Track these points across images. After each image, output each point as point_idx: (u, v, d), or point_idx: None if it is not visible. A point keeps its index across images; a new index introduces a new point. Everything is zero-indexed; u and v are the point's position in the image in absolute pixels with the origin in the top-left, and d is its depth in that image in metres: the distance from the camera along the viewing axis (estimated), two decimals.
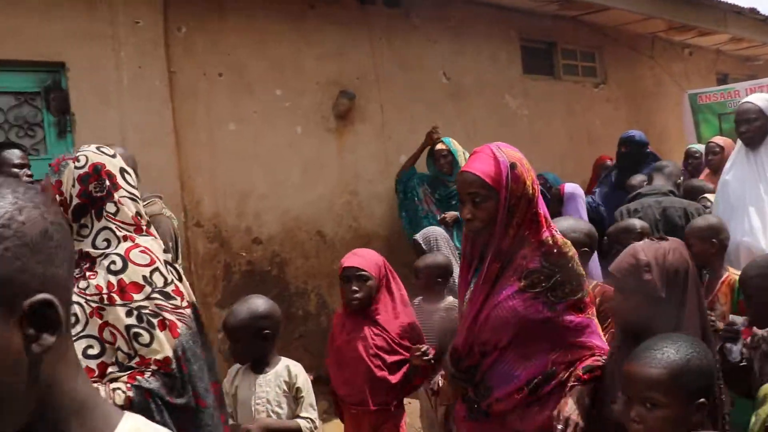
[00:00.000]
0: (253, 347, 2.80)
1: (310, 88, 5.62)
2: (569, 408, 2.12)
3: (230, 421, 2.77)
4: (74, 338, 1.88)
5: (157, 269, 2.00)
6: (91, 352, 1.93)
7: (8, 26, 4.23)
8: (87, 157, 2.10)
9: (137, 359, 1.92)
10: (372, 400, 3.03)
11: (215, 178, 5.11)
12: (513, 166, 2.19)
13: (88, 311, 1.95)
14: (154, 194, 3.40)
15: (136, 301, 1.92)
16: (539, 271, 2.21)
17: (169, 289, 1.99)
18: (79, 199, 2.05)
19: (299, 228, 5.50)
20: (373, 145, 5.98)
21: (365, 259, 3.09)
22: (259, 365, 2.86)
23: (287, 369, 2.84)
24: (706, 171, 6.14)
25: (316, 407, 2.85)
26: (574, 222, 3.08)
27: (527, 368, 2.23)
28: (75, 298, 1.96)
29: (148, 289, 1.94)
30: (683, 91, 9.12)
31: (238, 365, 2.95)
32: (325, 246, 5.63)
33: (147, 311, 1.92)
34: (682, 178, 5.26)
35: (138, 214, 2.13)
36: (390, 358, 3.06)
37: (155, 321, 1.91)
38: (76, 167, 2.07)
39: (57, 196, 2.05)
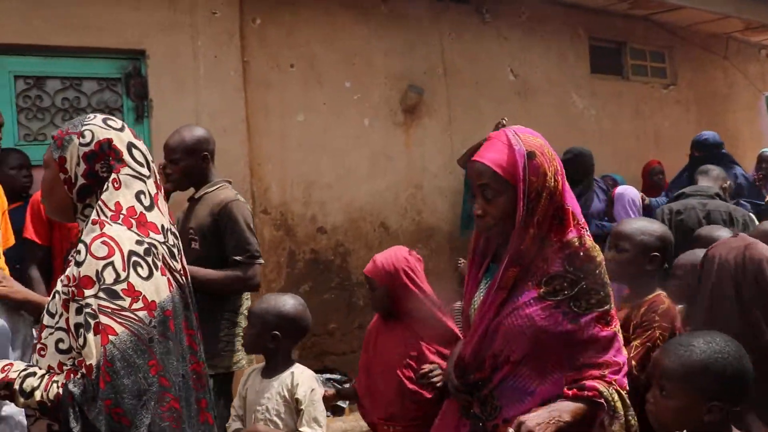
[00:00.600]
0: (260, 341, 2.71)
1: (379, 82, 5.68)
2: (536, 420, 1.84)
3: (234, 424, 2.73)
4: (52, 330, 1.81)
5: (111, 264, 1.75)
6: (61, 346, 1.81)
7: (93, 14, 4.41)
8: (93, 133, 1.89)
9: (80, 359, 1.76)
10: (402, 415, 2.70)
11: (284, 167, 5.22)
12: (531, 155, 1.91)
13: (61, 302, 1.82)
14: (225, 179, 3.49)
15: (85, 297, 1.74)
16: (562, 276, 1.95)
17: (119, 287, 1.74)
18: (85, 179, 1.88)
19: (363, 219, 5.56)
20: (439, 139, 6.00)
21: (376, 264, 2.86)
22: (268, 368, 2.75)
23: (291, 376, 2.67)
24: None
25: (322, 422, 2.63)
26: (647, 223, 2.74)
27: (543, 385, 1.97)
28: (58, 286, 1.85)
29: (96, 286, 1.74)
30: (759, 93, 8.86)
31: (254, 367, 2.89)
32: (389, 238, 5.68)
33: (89, 310, 1.73)
34: (729, 182, 4.97)
35: (140, 194, 1.91)
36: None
37: (92, 323, 1.71)
38: (81, 144, 1.87)
39: (60, 174, 1.88)
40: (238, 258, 3.17)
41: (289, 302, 2.77)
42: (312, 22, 5.38)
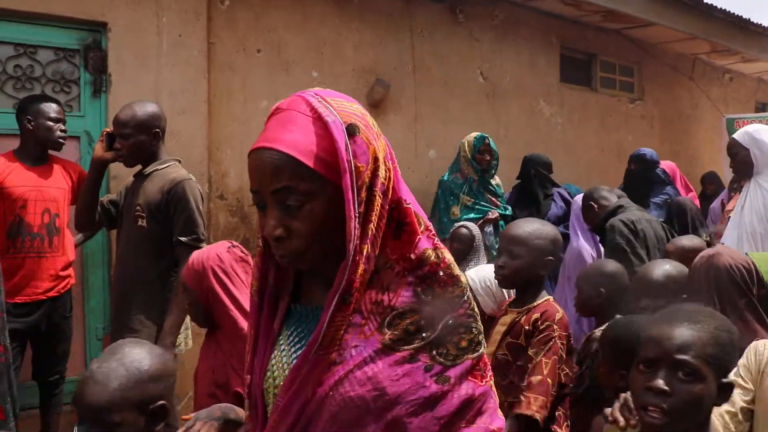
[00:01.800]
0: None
1: (347, 73, 5.60)
2: None
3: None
4: None
5: None
6: None
7: None
8: None
9: None
10: None
11: (243, 153, 5.04)
12: (352, 129, 1.21)
13: None
14: (174, 158, 3.41)
15: None
16: (414, 310, 1.25)
17: None
18: None
19: None
20: (404, 136, 5.94)
21: (189, 261, 2.41)
22: None
23: None
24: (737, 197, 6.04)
25: None
26: (540, 225, 2.56)
27: None
28: None
29: None
30: (721, 116, 9.02)
31: None
32: None
33: None
34: None
35: None
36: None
37: None
38: None
39: None
40: (183, 239, 3.15)
41: None
42: (282, 8, 5.28)
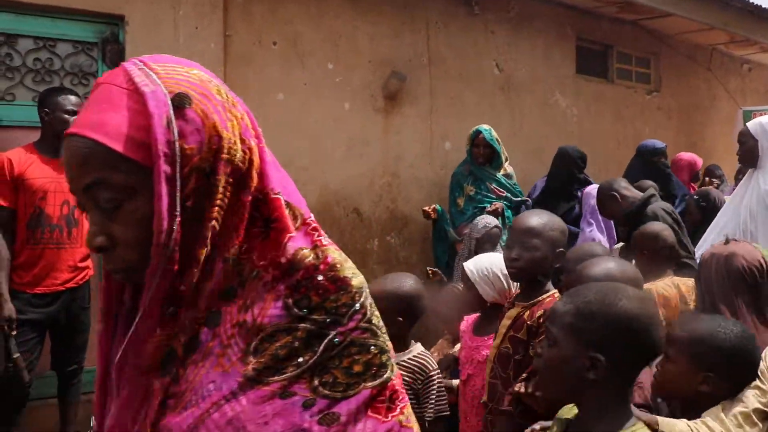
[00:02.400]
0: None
1: (362, 66, 5.60)
2: None
3: None
4: None
5: None
6: None
7: None
8: None
9: None
10: None
11: None
12: (182, 100, 0.96)
13: None
14: None
15: None
16: (287, 329, 0.98)
17: None
18: None
19: (337, 203, 5.50)
20: (419, 128, 5.94)
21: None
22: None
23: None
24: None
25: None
26: (549, 216, 2.53)
27: None
28: None
29: None
30: (738, 107, 8.92)
31: None
32: (361, 224, 5.62)
33: None
34: None
35: None
36: None
37: None
38: None
39: None
40: None
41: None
42: (298, 0, 5.29)
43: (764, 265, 2.37)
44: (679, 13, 7.41)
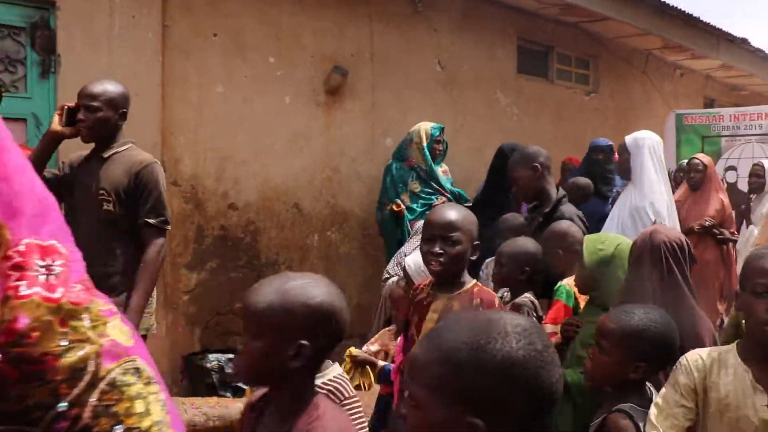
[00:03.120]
0: None
1: (304, 60, 5.55)
2: None
3: None
4: None
5: None
6: None
7: None
8: None
9: None
10: None
11: (198, 139, 5.03)
12: None
13: None
14: (129, 140, 3.34)
15: None
16: None
17: None
18: None
19: (277, 198, 5.44)
20: (361, 124, 5.93)
21: None
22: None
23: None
24: (684, 187, 6.19)
25: None
26: (464, 208, 2.57)
27: None
28: None
29: None
30: (671, 110, 9.19)
31: None
32: (301, 219, 5.58)
33: None
34: None
35: None
36: None
37: None
38: None
39: None
40: (151, 221, 3.15)
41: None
42: None
43: (684, 243, 2.55)
44: (617, 17, 7.60)
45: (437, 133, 5.47)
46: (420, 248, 2.51)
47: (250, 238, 5.32)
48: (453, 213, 2.44)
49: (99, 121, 3.17)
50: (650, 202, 4.19)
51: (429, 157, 5.49)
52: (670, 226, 3.93)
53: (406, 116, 6.07)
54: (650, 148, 4.30)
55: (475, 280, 2.52)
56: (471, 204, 5.30)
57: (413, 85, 6.31)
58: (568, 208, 3.89)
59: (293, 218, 5.53)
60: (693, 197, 5.98)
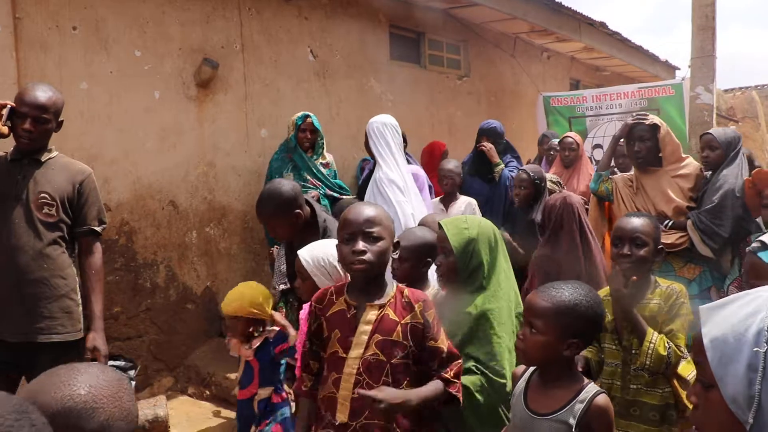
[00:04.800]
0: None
1: (172, 53, 5.40)
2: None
3: None
4: None
5: None
6: None
7: None
8: None
9: None
10: None
11: (63, 138, 4.74)
12: None
13: None
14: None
15: None
16: None
17: None
18: None
19: (151, 197, 5.29)
20: (234, 116, 5.85)
21: None
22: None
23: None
24: (558, 165, 6.50)
25: None
26: (381, 207, 2.41)
27: None
28: None
29: None
30: (539, 92, 9.61)
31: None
32: (178, 217, 5.46)
33: None
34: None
35: None
36: None
37: None
38: None
39: None
40: (97, 228, 3.33)
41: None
42: None
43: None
44: (484, 2, 7.82)
45: (300, 122, 5.43)
46: (338, 251, 2.31)
47: (125, 239, 5.15)
48: (370, 209, 2.30)
49: (46, 133, 3.24)
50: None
51: (297, 146, 5.44)
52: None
53: (280, 107, 6.05)
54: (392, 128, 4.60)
55: (395, 282, 2.37)
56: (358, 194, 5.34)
57: (286, 75, 6.27)
58: None
59: (169, 216, 5.40)
60: (566, 174, 6.29)
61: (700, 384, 1.18)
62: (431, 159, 6.79)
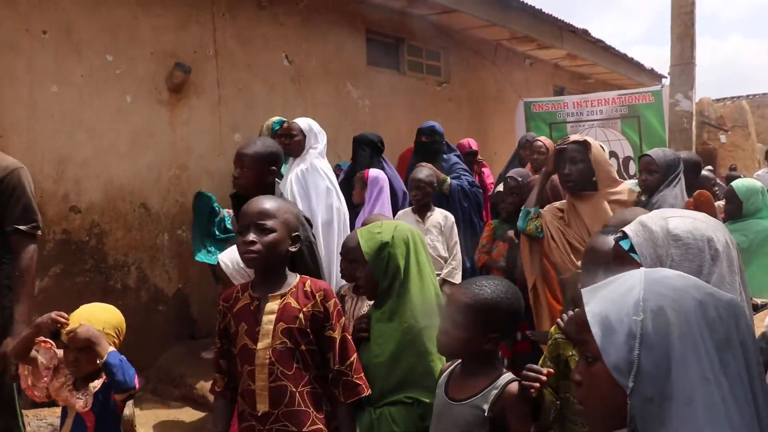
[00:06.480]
0: None
1: (144, 57, 5.46)
2: None
3: None
4: None
5: None
6: None
7: None
8: None
9: None
10: None
11: (33, 141, 4.86)
12: None
13: None
14: None
15: None
16: None
17: None
18: None
19: (122, 199, 5.34)
20: (207, 120, 5.90)
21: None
22: None
23: None
24: (528, 167, 6.55)
25: None
26: (282, 201, 2.50)
27: None
28: None
29: None
30: (520, 99, 9.68)
31: None
32: (150, 219, 5.50)
33: None
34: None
35: None
36: None
37: None
38: None
39: None
40: (22, 227, 3.07)
41: None
42: None
43: None
44: (463, 9, 7.90)
45: (277, 127, 5.47)
46: (236, 243, 2.38)
47: (95, 241, 5.19)
48: (268, 202, 2.35)
49: None
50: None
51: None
52: None
53: (254, 112, 6.11)
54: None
55: (298, 274, 2.42)
56: None
57: (260, 80, 6.34)
58: None
59: (141, 218, 5.45)
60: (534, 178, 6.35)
61: (584, 361, 1.27)
62: (407, 165, 6.85)
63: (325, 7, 7.02)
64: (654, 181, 4.28)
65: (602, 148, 6.83)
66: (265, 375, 2.24)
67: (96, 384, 2.60)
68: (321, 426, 2.28)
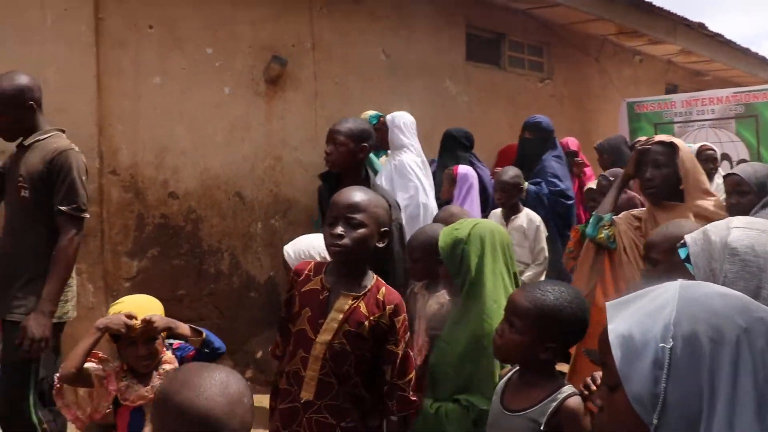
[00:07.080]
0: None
1: (243, 50, 5.63)
2: None
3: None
4: None
5: None
6: None
7: None
8: None
9: None
10: None
11: (136, 130, 5.12)
12: None
13: None
14: (57, 128, 3.43)
15: None
16: None
17: None
18: None
19: (218, 187, 5.53)
20: (303, 113, 6.02)
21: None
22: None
23: None
24: None
25: None
26: (373, 194, 2.41)
27: None
28: None
29: None
30: (627, 97, 9.30)
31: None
32: (243, 207, 5.67)
33: None
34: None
35: None
36: None
37: None
38: None
39: None
40: (64, 208, 3.17)
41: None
42: None
43: None
44: (567, 2, 7.68)
45: (375, 122, 5.53)
46: (323, 233, 2.33)
47: (191, 226, 5.41)
48: (359, 194, 2.28)
49: (8, 124, 3.28)
50: None
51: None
52: None
53: (350, 106, 6.17)
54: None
55: (376, 277, 2.36)
56: None
57: (357, 73, 6.39)
58: None
59: (235, 207, 5.63)
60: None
61: (606, 386, 1.13)
62: (507, 162, 6.77)
63: (424, 1, 7.00)
64: (747, 204, 3.65)
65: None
66: (317, 366, 2.24)
67: (166, 368, 2.60)
68: (357, 425, 2.28)
